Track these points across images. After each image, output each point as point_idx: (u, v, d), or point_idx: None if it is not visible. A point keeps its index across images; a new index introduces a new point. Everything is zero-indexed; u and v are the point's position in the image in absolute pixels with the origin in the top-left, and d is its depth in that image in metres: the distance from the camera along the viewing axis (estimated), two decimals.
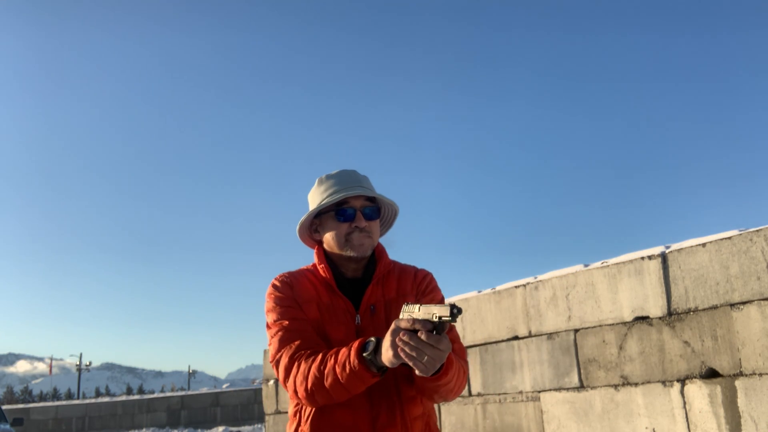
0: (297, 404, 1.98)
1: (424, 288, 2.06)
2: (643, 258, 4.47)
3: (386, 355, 1.63)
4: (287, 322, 1.93)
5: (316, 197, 2.07)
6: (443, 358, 1.59)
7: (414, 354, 1.57)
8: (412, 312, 1.67)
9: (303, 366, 1.83)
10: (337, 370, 1.75)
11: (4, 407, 28.10)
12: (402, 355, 1.59)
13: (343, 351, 1.76)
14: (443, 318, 1.57)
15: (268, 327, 2.00)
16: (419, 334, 1.57)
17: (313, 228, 2.10)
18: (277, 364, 1.92)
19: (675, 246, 4.35)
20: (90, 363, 66.94)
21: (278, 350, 1.93)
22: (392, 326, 1.63)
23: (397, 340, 1.59)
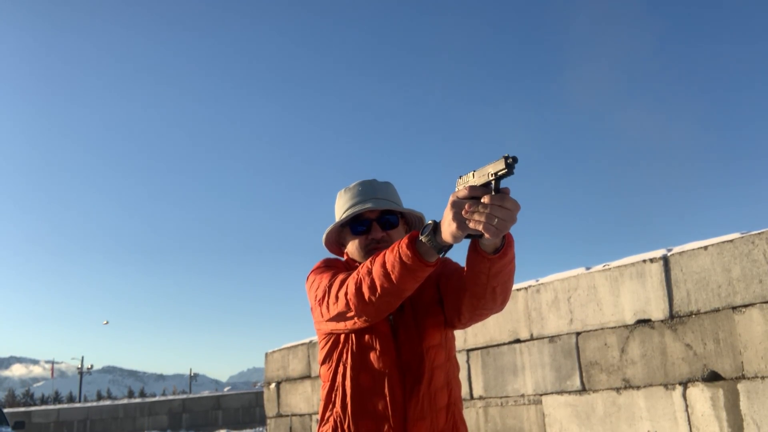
0: (330, 385, 1.99)
1: (440, 270, 2.02)
2: (644, 261, 4.47)
3: (449, 230, 1.56)
4: (343, 275, 1.91)
5: (337, 211, 2.15)
6: (514, 217, 1.51)
7: (483, 219, 1.49)
8: (467, 181, 1.59)
9: (360, 271, 1.79)
10: (389, 259, 1.69)
11: (5, 410, 28.11)
12: (472, 225, 1.52)
13: (397, 241, 1.72)
14: (499, 173, 1.47)
15: (317, 281, 1.97)
16: (483, 199, 1.50)
17: (340, 241, 2.18)
18: (329, 287, 1.88)
19: (677, 249, 4.35)
20: (91, 366, 66.89)
21: (333, 275, 1.92)
22: (450, 199, 1.56)
23: (463, 212, 1.52)
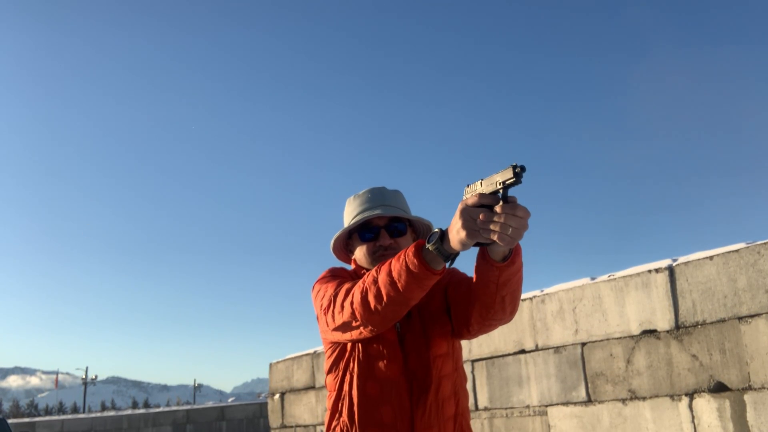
0: (337, 394, 1.99)
1: (448, 279, 2.03)
2: (650, 271, 4.46)
3: (458, 237, 1.55)
4: (348, 284, 1.91)
5: (346, 218, 2.17)
6: (526, 224, 1.50)
7: (498, 228, 1.49)
8: (474, 190, 1.59)
9: (366, 279, 1.78)
10: (395, 267, 1.69)
11: (10, 421, 28.09)
12: (487, 235, 1.51)
13: (403, 249, 1.73)
14: (507, 182, 1.47)
15: (323, 290, 1.98)
16: (495, 208, 1.50)
17: (348, 248, 2.19)
18: (335, 296, 1.88)
19: (682, 259, 4.34)
20: (96, 376, 66.86)
21: (339, 284, 1.92)
22: (459, 207, 1.56)
23: (478, 221, 1.51)
